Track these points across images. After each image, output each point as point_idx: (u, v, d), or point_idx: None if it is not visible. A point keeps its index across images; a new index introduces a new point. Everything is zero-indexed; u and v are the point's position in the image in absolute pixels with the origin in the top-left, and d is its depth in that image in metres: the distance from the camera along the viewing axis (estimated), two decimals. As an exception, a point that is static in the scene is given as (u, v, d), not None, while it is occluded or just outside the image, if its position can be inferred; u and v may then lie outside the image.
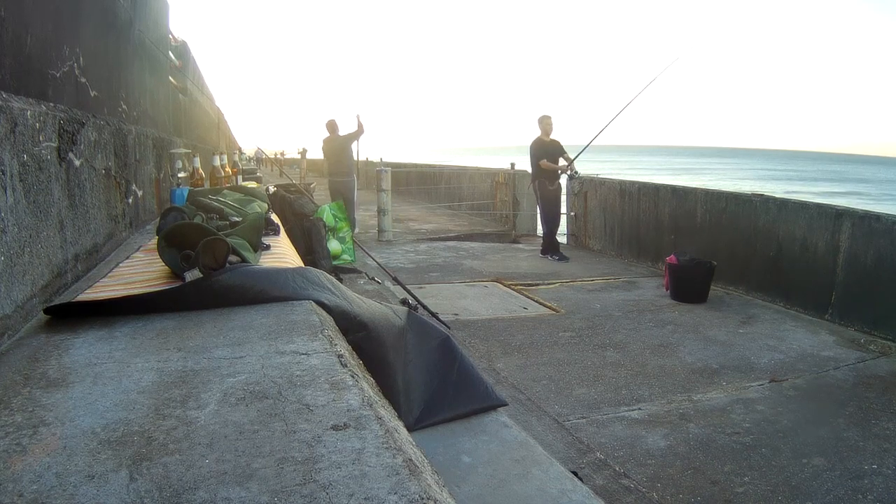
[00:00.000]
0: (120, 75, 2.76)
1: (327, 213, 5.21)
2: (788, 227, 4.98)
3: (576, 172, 7.47)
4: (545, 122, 6.97)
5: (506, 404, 1.94)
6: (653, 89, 6.65)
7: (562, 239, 8.32)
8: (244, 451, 0.75)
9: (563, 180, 7.64)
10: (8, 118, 1.26)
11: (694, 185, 6.70)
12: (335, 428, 0.81)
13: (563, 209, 8.25)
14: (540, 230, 7.68)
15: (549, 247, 7.01)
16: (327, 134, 8.21)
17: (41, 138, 1.47)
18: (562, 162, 7.01)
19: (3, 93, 1.31)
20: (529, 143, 7.07)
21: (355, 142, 8.35)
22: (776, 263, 5.08)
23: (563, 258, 6.92)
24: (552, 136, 7.02)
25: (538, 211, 7.03)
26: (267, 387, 0.95)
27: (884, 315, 4.16)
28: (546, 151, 6.92)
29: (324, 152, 8.38)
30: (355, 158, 8.84)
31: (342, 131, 8.19)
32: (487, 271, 6.09)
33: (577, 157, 7.01)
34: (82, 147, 1.84)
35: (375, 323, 1.48)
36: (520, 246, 8.09)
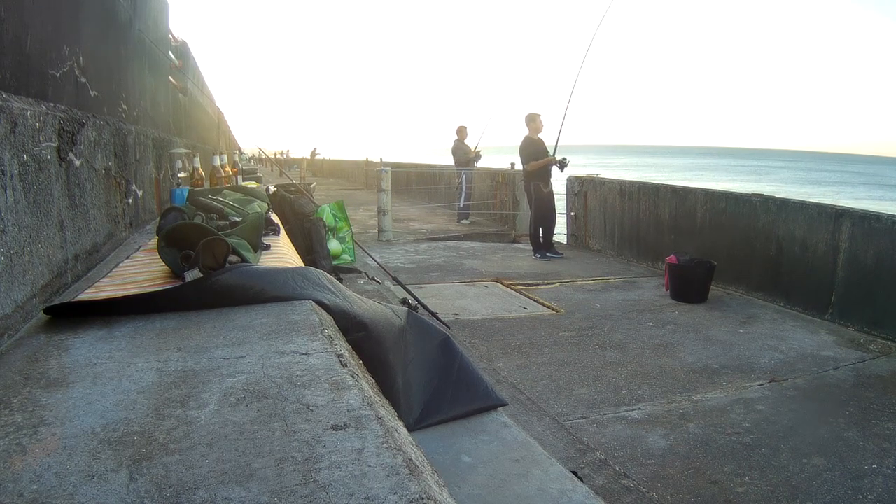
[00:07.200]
0: (120, 75, 2.76)
1: (327, 213, 5.20)
2: (788, 227, 4.98)
3: (564, 159, 7.01)
4: (538, 121, 6.93)
5: (506, 404, 1.94)
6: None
7: (562, 239, 8.32)
8: (244, 451, 0.75)
9: (561, 181, 7.64)
10: (8, 118, 1.26)
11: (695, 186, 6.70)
12: (335, 428, 0.81)
13: (563, 210, 8.25)
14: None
15: (542, 245, 7.00)
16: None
17: (41, 138, 1.47)
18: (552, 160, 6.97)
19: (3, 93, 1.31)
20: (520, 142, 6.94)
21: (464, 152, 10.01)
22: (776, 263, 5.08)
23: (557, 254, 6.97)
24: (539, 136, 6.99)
25: (531, 211, 7.02)
26: (267, 387, 0.94)
27: (884, 315, 4.16)
28: (536, 151, 6.88)
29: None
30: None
31: (466, 139, 10.07)
32: (487, 271, 6.08)
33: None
34: (82, 147, 1.84)
35: (375, 323, 1.48)
36: (520, 246, 8.08)
